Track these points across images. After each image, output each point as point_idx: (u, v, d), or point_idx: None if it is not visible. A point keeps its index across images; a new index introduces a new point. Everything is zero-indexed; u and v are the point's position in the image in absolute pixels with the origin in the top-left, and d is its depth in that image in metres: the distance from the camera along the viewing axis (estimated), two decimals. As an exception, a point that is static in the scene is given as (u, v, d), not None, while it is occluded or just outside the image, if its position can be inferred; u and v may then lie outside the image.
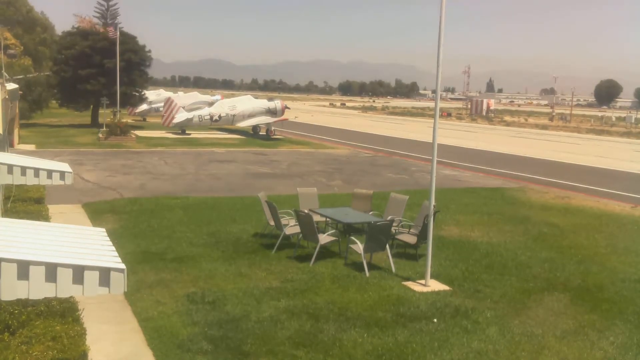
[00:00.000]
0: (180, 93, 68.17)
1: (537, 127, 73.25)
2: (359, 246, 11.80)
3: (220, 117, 44.12)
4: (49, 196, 17.10)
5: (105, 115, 41.21)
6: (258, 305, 9.76)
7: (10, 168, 11.78)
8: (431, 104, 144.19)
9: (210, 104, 51.25)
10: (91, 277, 5.86)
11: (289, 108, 49.69)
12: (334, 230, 13.31)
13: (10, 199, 13.88)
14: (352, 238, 12.23)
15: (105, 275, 5.95)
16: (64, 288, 5.76)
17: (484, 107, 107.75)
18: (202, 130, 44.39)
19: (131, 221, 15.16)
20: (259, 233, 14.14)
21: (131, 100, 48.34)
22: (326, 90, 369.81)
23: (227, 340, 8.37)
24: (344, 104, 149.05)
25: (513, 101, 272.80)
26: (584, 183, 25.62)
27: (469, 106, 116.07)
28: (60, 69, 45.67)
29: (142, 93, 49.66)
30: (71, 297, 6.84)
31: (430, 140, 11.25)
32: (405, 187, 22.12)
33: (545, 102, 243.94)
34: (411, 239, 12.83)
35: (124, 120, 39.62)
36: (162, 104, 45.68)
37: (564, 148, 44.00)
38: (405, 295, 10.48)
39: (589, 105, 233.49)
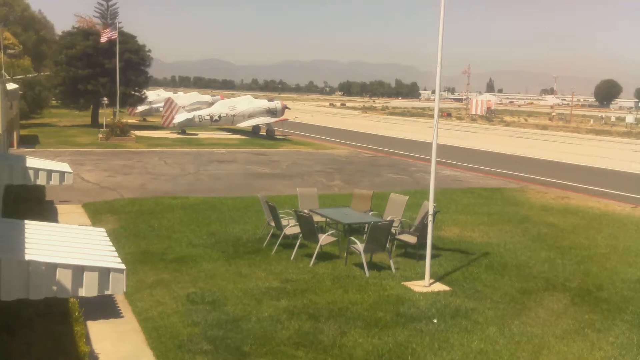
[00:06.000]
0: (180, 93, 68.20)
1: (537, 128, 73.24)
2: (359, 246, 11.80)
3: (220, 117, 44.11)
4: (49, 196, 17.13)
5: (105, 115, 41.20)
6: (258, 305, 9.76)
7: (10, 168, 11.78)
8: (431, 104, 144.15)
9: (210, 104, 51.25)
10: (91, 277, 5.87)
11: (288, 108, 49.68)
12: (333, 231, 13.31)
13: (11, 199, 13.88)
14: (352, 238, 12.23)
15: (105, 275, 5.96)
16: (64, 288, 5.77)
17: (484, 107, 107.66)
18: (202, 130, 44.39)
19: (131, 221, 15.15)
20: (259, 233, 14.14)
21: (131, 100, 48.31)
22: (326, 91, 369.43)
23: (227, 341, 8.37)
24: (344, 104, 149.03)
25: (513, 101, 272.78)
26: (584, 183, 25.62)
27: (469, 106, 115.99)
28: (61, 68, 45.65)
29: (142, 93, 49.62)
30: (71, 297, 6.84)
31: (430, 141, 11.25)
32: (405, 187, 22.12)
33: (548, 102, 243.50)
34: (411, 239, 12.83)
35: (123, 120, 39.60)
36: (162, 104, 45.67)
37: (563, 148, 44.01)
38: (405, 295, 10.48)
39: (591, 106, 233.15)
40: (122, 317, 9.16)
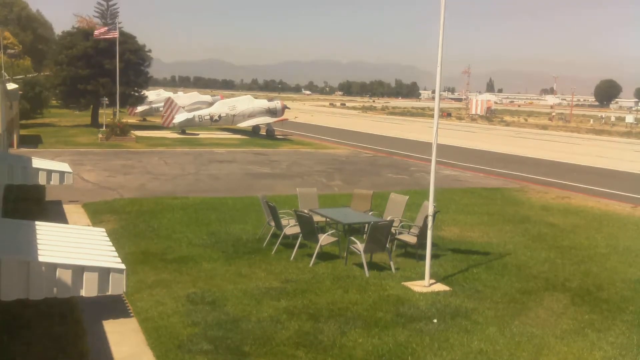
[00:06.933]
0: (180, 93, 68.18)
1: (537, 127, 73.23)
2: (359, 246, 11.80)
3: (220, 117, 44.11)
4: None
5: (105, 115, 41.21)
6: (258, 305, 9.76)
7: (10, 168, 11.78)
8: (431, 104, 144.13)
9: (210, 104, 51.26)
10: (91, 278, 5.86)
11: (288, 108, 49.70)
12: (333, 231, 13.31)
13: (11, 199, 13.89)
14: (352, 238, 12.23)
15: (105, 275, 5.95)
16: (64, 288, 5.77)
17: (484, 107, 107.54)
18: (202, 130, 44.39)
19: (131, 221, 15.15)
20: (259, 233, 14.13)
21: (131, 100, 48.31)
22: (326, 91, 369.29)
23: (227, 341, 8.37)
24: (344, 104, 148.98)
25: (513, 101, 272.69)
26: (584, 183, 25.62)
27: (469, 106, 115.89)
28: (61, 69, 45.65)
29: (142, 93, 49.63)
30: (71, 297, 6.83)
31: (430, 140, 11.25)
32: (405, 187, 22.12)
33: (547, 101, 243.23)
34: (411, 239, 12.83)
35: (123, 120, 39.59)
36: (162, 104, 45.67)
37: (563, 148, 44.00)
38: (405, 296, 10.48)
39: (591, 105, 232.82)
40: (122, 317, 9.16)
